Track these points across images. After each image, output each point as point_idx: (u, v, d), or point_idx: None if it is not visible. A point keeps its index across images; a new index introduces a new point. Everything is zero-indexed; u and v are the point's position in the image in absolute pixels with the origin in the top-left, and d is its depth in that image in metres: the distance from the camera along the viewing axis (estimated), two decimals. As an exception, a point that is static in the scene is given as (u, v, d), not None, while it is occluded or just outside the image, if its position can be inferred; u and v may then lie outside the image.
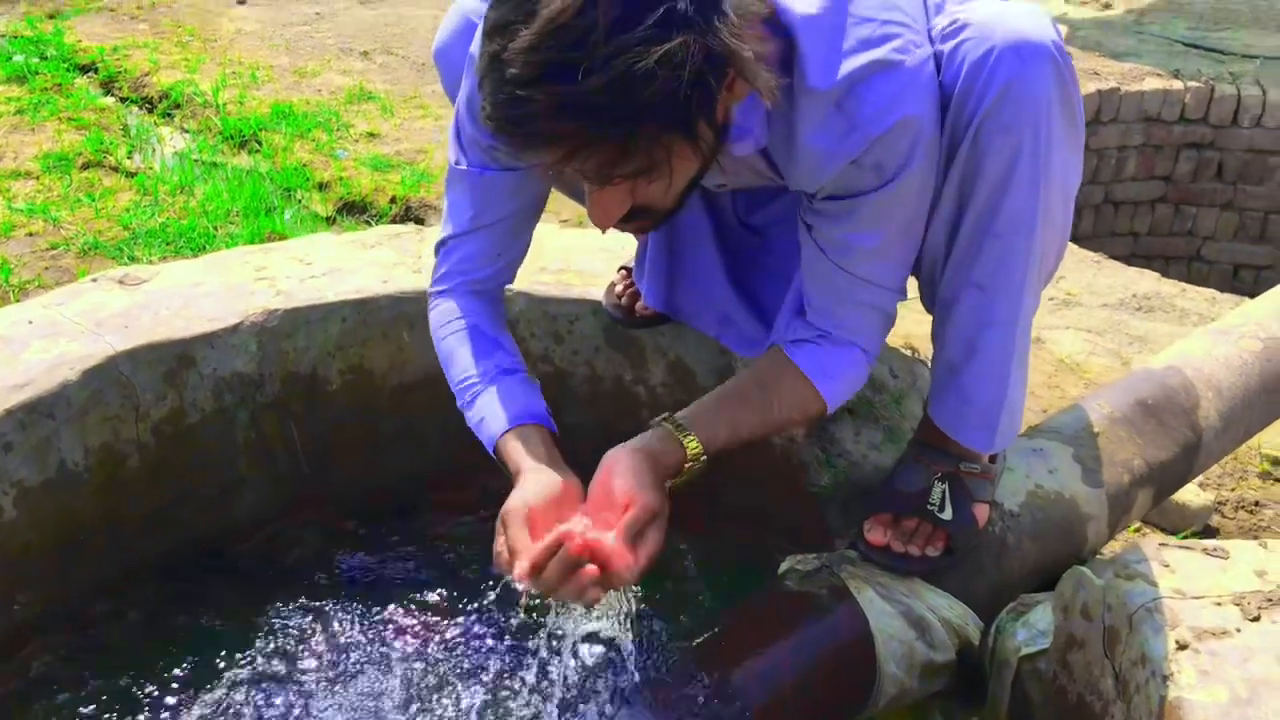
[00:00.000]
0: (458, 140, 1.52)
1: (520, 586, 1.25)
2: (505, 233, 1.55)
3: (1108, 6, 5.20)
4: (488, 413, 1.46)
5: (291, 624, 1.70)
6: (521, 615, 1.62)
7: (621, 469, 1.28)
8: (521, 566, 1.24)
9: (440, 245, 1.58)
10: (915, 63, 1.26)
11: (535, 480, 1.35)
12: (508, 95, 1.07)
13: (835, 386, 1.44)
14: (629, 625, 1.57)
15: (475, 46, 1.23)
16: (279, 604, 1.73)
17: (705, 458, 1.34)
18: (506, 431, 1.43)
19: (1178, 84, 4.18)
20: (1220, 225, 4.37)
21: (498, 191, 1.51)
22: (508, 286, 1.66)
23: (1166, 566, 1.28)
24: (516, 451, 1.41)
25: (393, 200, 3.36)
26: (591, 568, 1.22)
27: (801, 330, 1.46)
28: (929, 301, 1.48)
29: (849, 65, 1.23)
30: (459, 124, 1.51)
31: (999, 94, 1.26)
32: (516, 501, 1.32)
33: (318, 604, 1.73)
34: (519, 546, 1.26)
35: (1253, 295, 2.59)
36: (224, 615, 1.74)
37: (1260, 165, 4.22)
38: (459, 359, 1.52)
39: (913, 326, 1.58)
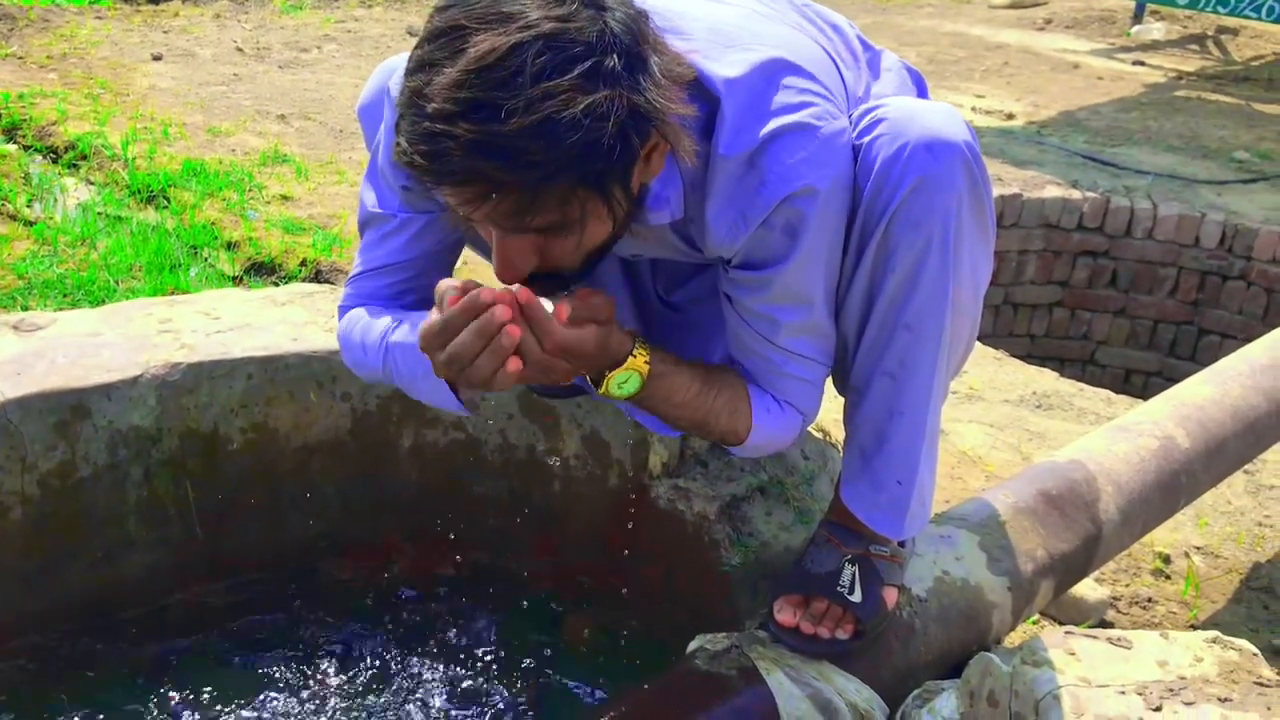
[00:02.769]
0: (373, 183, 1.50)
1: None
2: (416, 272, 1.52)
3: (1010, 117, 5.43)
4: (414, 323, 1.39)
5: (170, 700, 1.62)
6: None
7: (590, 289, 1.24)
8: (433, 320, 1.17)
9: (350, 280, 1.55)
10: (831, 130, 1.28)
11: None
12: (426, 130, 1.07)
13: (766, 427, 1.44)
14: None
15: (396, 85, 1.22)
16: (161, 678, 1.65)
17: (646, 368, 1.31)
18: None
19: (1076, 194, 4.36)
20: (1113, 331, 4.53)
21: (410, 233, 1.48)
22: None
23: (1072, 654, 1.29)
24: None
25: (303, 263, 3.30)
26: (513, 327, 1.15)
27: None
28: (841, 384, 1.49)
29: (765, 128, 1.25)
30: (376, 167, 1.49)
31: (910, 189, 1.29)
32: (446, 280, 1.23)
33: (196, 676, 1.65)
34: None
35: (1144, 399, 2.69)
36: (99, 684, 1.65)
37: (1150, 275, 4.40)
38: (374, 329, 1.46)
39: (823, 409, 1.60)
